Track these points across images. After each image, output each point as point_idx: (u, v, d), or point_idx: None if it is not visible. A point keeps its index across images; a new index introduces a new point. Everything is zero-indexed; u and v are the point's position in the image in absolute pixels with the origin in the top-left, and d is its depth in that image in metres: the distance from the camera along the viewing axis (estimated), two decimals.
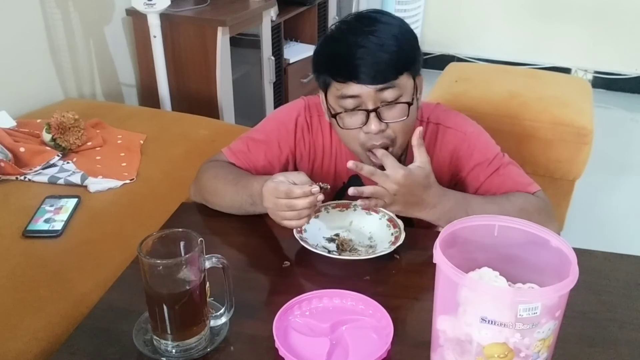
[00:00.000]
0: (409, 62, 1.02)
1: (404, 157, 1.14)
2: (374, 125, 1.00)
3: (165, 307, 0.77)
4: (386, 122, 1.01)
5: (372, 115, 1.00)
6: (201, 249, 0.77)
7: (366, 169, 0.95)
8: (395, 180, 0.94)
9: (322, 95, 1.08)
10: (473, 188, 1.13)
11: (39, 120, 1.77)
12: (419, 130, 0.96)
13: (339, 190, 1.21)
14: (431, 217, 1.01)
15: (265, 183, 0.97)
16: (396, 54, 0.98)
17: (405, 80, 1.01)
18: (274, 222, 1.16)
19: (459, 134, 1.14)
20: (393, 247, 1.00)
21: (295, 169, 1.19)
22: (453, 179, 1.16)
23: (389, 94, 0.99)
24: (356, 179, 1.19)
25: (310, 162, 1.19)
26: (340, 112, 1.03)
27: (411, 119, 1.04)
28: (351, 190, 0.95)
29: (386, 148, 1.03)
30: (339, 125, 1.04)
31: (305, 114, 1.17)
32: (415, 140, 0.96)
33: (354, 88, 0.99)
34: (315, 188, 0.92)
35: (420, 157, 0.98)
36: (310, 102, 1.18)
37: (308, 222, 0.99)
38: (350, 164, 0.95)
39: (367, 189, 0.95)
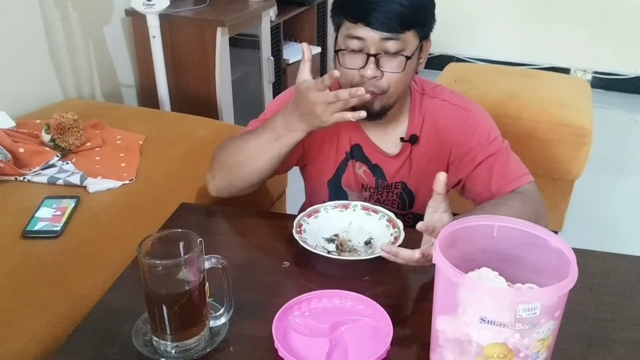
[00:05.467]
0: (418, 22, 1.05)
1: (400, 118, 1.18)
2: (370, 70, 1.04)
3: (164, 308, 0.77)
4: (382, 71, 1.05)
5: (371, 60, 1.04)
6: (200, 249, 0.77)
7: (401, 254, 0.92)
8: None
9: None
10: (469, 168, 1.15)
11: (38, 121, 1.77)
12: (444, 176, 0.90)
13: (342, 161, 1.23)
14: None
15: (299, 86, 1.01)
16: (408, 9, 1.02)
17: (410, 37, 1.05)
18: (273, 222, 1.17)
19: (464, 112, 1.17)
20: None
21: (302, 145, 1.19)
22: (451, 157, 1.18)
23: (391, 45, 1.03)
24: (358, 148, 1.21)
25: (313, 136, 1.20)
26: (344, 50, 1.07)
27: (407, 74, 1.07)
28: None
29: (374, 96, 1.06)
30: (339, 63, 1.09)
31: None
32: (441, 188, 0.90)
33: (361, 30, 1.03)
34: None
35: (448, 214, 0.92)
36: None
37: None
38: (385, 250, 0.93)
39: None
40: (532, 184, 1.13)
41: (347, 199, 1.24)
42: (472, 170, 1.15)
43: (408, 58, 1.05)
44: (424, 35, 1.09)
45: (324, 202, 1.16)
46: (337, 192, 1.26)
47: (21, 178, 1.52)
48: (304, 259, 1.01)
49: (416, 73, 1.14)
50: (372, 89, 1.05)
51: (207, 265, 0.79)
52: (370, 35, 1.02)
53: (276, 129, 1.07)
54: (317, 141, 1.22)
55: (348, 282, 0.94)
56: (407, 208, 1.25)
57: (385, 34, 1.02)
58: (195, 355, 0.80)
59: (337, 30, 1.10)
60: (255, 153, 1.10)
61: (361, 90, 0.96)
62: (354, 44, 1.04)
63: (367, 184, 1.24)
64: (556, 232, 1.86)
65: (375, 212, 1.12)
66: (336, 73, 0.96)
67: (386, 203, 1.24)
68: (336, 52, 1.09)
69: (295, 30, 3.28)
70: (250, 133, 1.13)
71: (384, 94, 1.07)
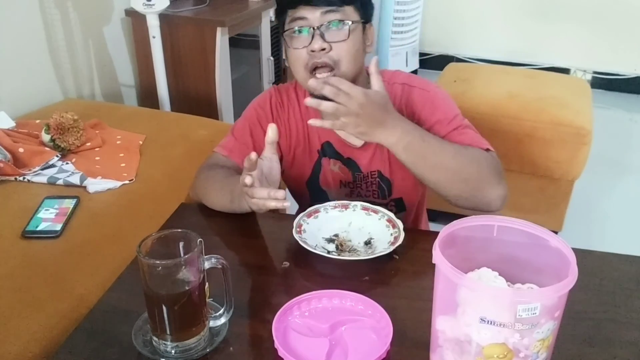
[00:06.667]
0: None
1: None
2: (316, 44, 1.07)
3: (164, 308, 0.77)
4: (329, 43, 1.08)
5: (317, 33, 1.07)
6: (200, 249, 0.77)
7: (327, 90, 0.97)
8: (357, 99, 0.97)
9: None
10: None
11: (38, 121, 1.77)
12: (375, 58, 1.03)
13: (316, 160, 1.25)
14: (391, 140, 1.04)
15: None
16: None
17: (350, 11, 1.10)
18: (274, 222, 1.17)
19: (424, 92, 1.20)
20: (392, 248, 1.00)
21: (278, 145, 1.22)
22: None
23: (333, 16, 1.08)
24: (329, 145, 1.23)
25: (287, 137, 1.25)
26: (289, 30, 1.10)
27: (354, 44, 1.10)
28: (309, 101, 0.98)
29: (330, 71, 1.09)
30: (288, 45, 1.12)
31: (276, 95, 1.26)
32: (372, 67, 1.03)
33: (302, 11, 1.08)
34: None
35: (377, 84, 1.03)
36: (280, 86, 1.27)
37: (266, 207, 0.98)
38: (309, 100, 0.99)
39: (328, 104, 0.97)
40: (494, 152, 1.14)
41: (327, 198, 1.24)
42: None
43: (351, 23, 1.08)
44: (364, 15, 1.12)
45: (310, 203, 1.16)
46: (317, 192, 1.27)
47: (21, 178, 1.52)
48: (304, 259, 1.01)
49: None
50: (325, 59, 1.08)
51: (207, 265, 0.79)
52: (311, 13, 1.07)
53: (233, 194, 1.08)
54: (291, 146, 1.25)
55: (348, 282, 0.94)
56: (387, 196, 1.26)
57: (326, 8, 1.07)
58: (195, 355, 0.80)
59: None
60: (216, 204, 1.14)
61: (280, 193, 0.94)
62: (298, 24, 1.09)
63: (344, 179, 1.25)
64: (556, 232, 1.86)
65: (375, 212, 1.11)
66: (252, 155, 0.93)
67: (367, 195, 1.25)
68: (282, 35, 1.13)
69: None
70: (215, 180, 1.14)
71: (337, 68, 1.09)
